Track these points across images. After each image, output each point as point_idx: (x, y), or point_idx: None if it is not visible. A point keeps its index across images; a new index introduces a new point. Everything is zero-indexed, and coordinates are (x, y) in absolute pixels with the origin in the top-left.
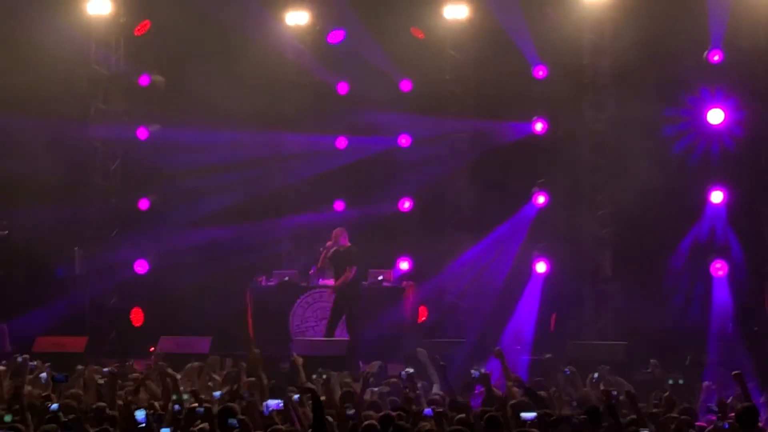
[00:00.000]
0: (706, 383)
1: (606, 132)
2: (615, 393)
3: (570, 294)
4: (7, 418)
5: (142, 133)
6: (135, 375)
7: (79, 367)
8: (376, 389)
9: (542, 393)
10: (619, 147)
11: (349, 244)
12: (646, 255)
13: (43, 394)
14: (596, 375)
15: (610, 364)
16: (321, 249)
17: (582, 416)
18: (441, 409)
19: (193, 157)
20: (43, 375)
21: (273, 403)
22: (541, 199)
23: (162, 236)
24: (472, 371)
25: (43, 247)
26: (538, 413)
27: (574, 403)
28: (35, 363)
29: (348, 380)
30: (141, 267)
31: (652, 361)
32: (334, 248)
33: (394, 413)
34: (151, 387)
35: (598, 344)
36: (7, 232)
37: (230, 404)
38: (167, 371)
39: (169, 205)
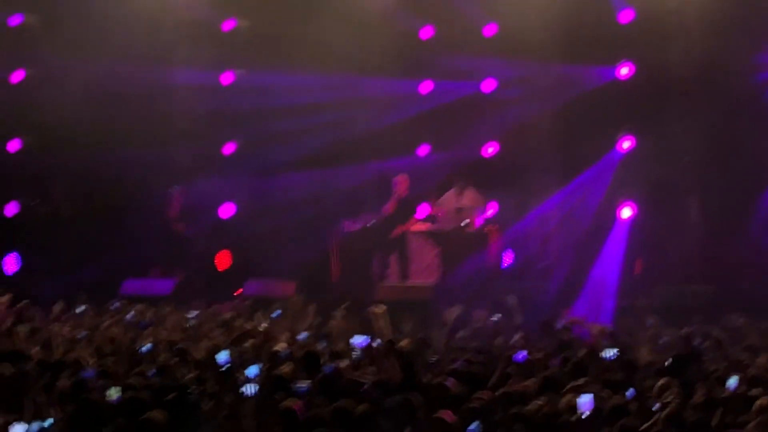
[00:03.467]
0: None
1: (693, 77)
2: (699, 342)
3: (656, 239)
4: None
5: (226, 78)
6: (226, 316)
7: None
8: (458, 335)
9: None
10: (706, 92)
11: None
12: (732, 200)
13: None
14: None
15: (697, 310)
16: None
17: (667, 362)
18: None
19: (277, 101)
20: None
21: (359, 340)
22: (626, 144)
23: (247, 180)
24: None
25: (131, 192)
26: (618, 351)
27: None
28: (118, 304)
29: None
30: (227, 211)
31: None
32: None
33: (476, 359)
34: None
35: (685, 289)
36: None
37: (315, 349)
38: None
39: (255, 149)
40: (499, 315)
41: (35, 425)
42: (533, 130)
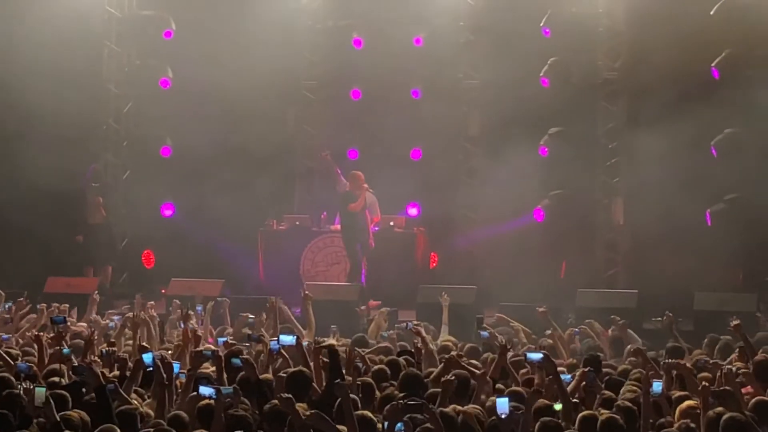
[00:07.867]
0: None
1: (619, 80)
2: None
3: (581, 242)
4: None
5: (156, 77)
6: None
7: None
8: (385, 334)
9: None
10: (633, 95)
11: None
12: (658, 203)
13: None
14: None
15: (620, 313)
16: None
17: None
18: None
19: (206, 100)
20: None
21: (287, 339)
22: (548, 147)
23: (175, 179)
24: (481, 333)
25: (57, 190)
26: (544, 354)
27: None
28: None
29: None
30: (153, 209)
31: (667, 313)
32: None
33: (401, 358)
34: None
35: (608, 292)
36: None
37: (237, 347)
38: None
39: (182, 148)
40: (416, 322)
41: None
42: (460, 132)
